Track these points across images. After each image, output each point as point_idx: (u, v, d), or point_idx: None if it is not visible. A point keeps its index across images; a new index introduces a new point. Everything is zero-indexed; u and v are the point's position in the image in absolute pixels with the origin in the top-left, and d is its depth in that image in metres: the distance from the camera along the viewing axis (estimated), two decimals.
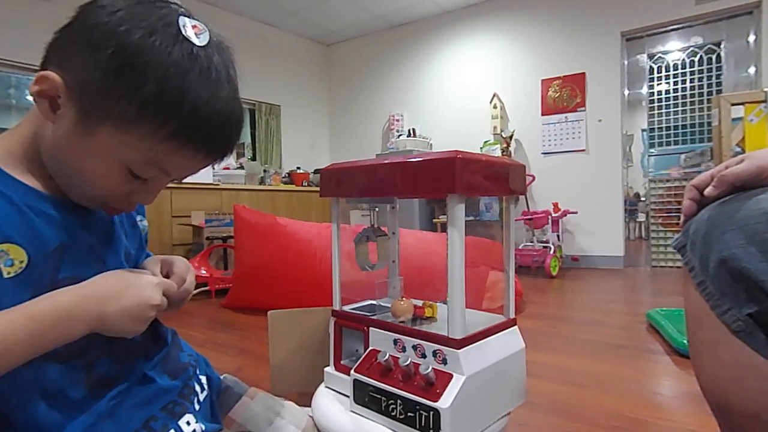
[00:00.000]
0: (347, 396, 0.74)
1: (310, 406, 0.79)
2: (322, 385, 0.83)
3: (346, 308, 0.84)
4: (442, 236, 2.48)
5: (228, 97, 0.48)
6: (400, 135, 4.80)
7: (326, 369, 0.83)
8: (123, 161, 0.47)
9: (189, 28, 0.46)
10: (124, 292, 0.48)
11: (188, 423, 0.55)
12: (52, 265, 0.47)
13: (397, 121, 4.97)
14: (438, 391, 0.62)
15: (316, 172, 4.70)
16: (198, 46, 0.46)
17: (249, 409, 0.68)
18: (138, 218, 0.65)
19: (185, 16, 0.47)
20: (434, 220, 4.41)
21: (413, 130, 4.73)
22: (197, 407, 0.58)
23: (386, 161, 0.71)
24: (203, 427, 0.57)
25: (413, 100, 4.97)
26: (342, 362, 0.81)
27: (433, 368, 0.64)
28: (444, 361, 0.65)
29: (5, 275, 0.43)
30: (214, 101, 0.46)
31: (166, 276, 0.57)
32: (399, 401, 0.65)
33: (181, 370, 0.59)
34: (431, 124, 4.80)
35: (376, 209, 0.88)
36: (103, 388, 0.51)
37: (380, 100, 5.20)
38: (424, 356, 0.68)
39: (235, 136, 0.52)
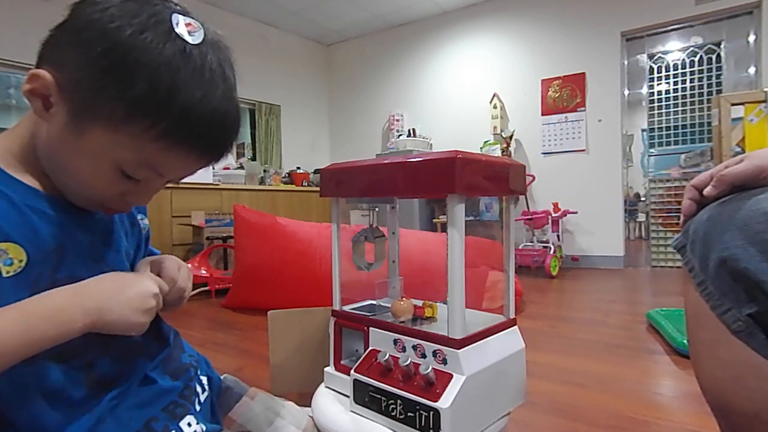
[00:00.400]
0: (347, 396, 0.74)
1: (310, 406, 0.79)
2: (322, 385, 0.83)
3: (346, 308, 0.84)
4: (442, 236, 2.48)
5: (223, 97, 0.47)
6: (400, 135, 4.80)
7: (326, 369, 0.83)
8: (115, 161, 0.46)
9: (182, 25, 0.45)
10: (122, 288, 0.48)
11: (189, 424, 0.55)
12: (51, 264, 0.47)
13: (397, 121, 4.97)
14: (438, 391, 0.62)
15: (316, 172, 4.70)
16: (191, 44, 0.45)
17: (249, 410, 0.68)
18: (139, 217, 0.64)
19: (179, 13, 0.46)
20: (434, 220, 4.41)
21: (413, 130, 4.73)
22: (198, 408, 0.58)
23: (386, 161, 0.71)
24: (204, 428, 0.57)
25: (413, 100, 4.97)
26: (342, 362, 0.81)
27: (433, 368, 0.64)
28: (444, 361, 0.65)
29: (4, 274, 0.43)
30: (208, 100, 0.45)
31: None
32: (399, 401, 0.65)
33: (182, 371, 0.59)
34: (431, 124, 4.80)
35: (376, 209, 0.88)
36: (103, 388, 0.51)
37: (380, 100, 5.20)
38: (424, 356, 0.68)
39: (230, 136, 0.50)
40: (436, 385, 0.63)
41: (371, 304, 0.87)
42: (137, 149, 0.45)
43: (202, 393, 0.61)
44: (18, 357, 0.41)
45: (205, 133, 0.47)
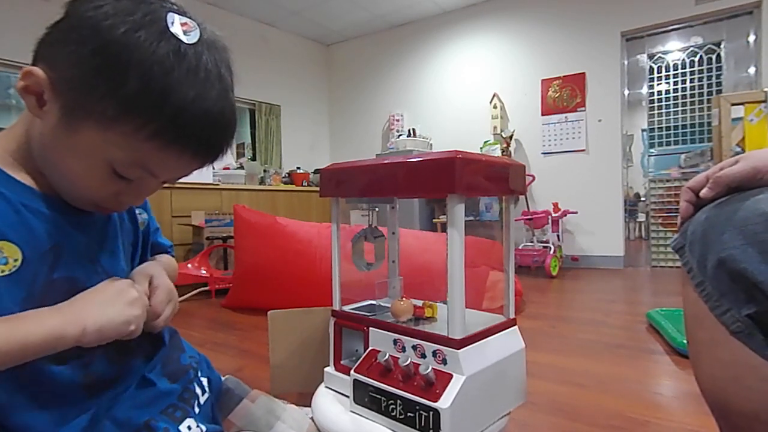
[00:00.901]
0: (347, 396, 0.74)
1: (310, 406, 0.79)
2: (322, 385, 0.83)
3: (346, 308, 0.84)
4: (442, 236, 2.48)
5: (218, 97, 0.46)
6: (400, 135, 4.80)
7: (326, 369, 0.83)
8: (106, 160, 0.46)
9: (178, 24, 0.44)
10: (108, 297, 0.48)
11: (189, 428, 0.54)
12: (47, 264, 0.47)
13: (397, 121, 4.97)
14: (438, 391, 0.62)
15: (316, 172, 4.70)
16: (186, 43, 0.44)
17: (249, 413, 0.67)
18: (137, 211, 0.64)
19: (175, 12, 0.45)
20: (434, 220, 4.41)
21: (413, 130, 4.73)
22: (197, 410, 0.58)
23: (386, 161, 0.71)
24: (204, 429, 0.56)
25: (413, 100, 4.96)
26: (342, 362, 0.81)
27: (432, 368, 0.64)
28: (444, 361, 0.65)
29: None
30: (202, 100, 0.45)
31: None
32: (399, 401, 0.65)
33: (181, 373, 0.59)
34: (431, 124, 4.80)
35: (376, 209, 0.88)
36: (101, 390, 0.51)
37: (380, 100, 5.20)
38: (423, 356, 0.68)
39: (225, 137, 0.49)
40: (435, 385, 0.63)
41: (371, 304, 0.88)
42: (129, 148, 0.45)
43: (202, 395, 0.61)
44: (5, 363, 0.40)
45: (198, 134, 0.46)
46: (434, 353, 0.67)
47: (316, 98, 5.50)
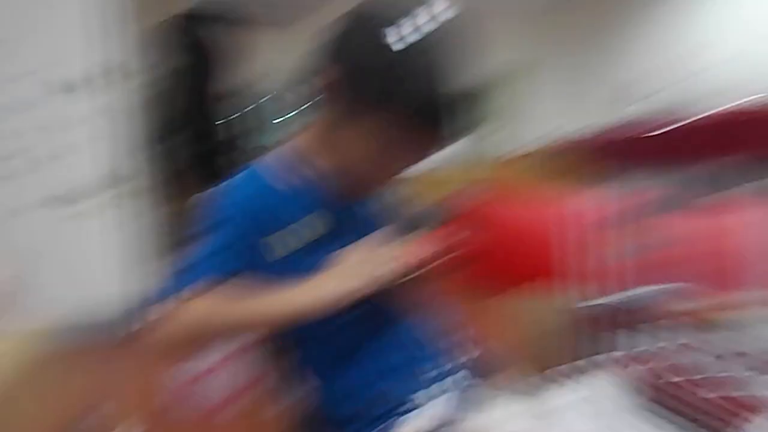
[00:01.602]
0: (605, 396, 0.65)
1: (539, 398, 0.74)
2: (573, 382, 0.76)
3: (607, 301, 0.74)
4: (755, 211, 1.94)
5: (453, 83, 0.52)
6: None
7: (578, 363, 0.75)
8: (376, 146, 0.55)
9: (425, 17, 0.51)
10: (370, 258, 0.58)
11: (431, 391, 0.59)
12: (318, 248, 0.58)
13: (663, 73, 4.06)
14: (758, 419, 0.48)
15: (570, 143, 4.29)
16: (425, 42, 0.51)
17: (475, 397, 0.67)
18: (392, 194, 0.73)
19: (419, 15, 0.51)
20: (741, 189, 3.35)
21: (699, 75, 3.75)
22: (441, 380, 0.61)
23: (700, 117, 0.56)
24: (447, 398, 0.59)
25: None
26: (599, 357, 0.72)
27: (754, 389, 0.50)
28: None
29: (279, 255, 0.56)
30: (444, 89, 0.51)
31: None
32: (697, 413, 0.54)
33: (428, 341, 0.65)
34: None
35: (666, 180, 0.73)
36: (367, 334, 0.61)
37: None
38: (737, 370, 0.53)
39: (464, 120, 0.55)
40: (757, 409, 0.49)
41: (644, 293, 0.74)
42: (391, 136, 0.54)
43: (446, 367, 0.64)
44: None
45: (441, 119, 0.54)
46: (750, 368, 0.52)
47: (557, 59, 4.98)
